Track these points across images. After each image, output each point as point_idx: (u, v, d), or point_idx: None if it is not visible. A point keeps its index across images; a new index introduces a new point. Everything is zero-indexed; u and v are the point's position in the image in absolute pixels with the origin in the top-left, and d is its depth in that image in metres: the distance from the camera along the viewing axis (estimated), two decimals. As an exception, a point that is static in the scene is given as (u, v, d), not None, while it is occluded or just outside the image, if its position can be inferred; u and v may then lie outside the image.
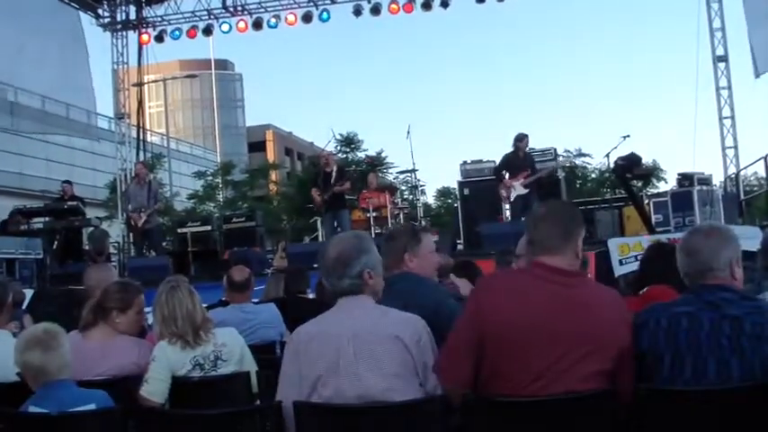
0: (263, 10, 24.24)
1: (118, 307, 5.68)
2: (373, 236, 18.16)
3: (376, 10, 23.10)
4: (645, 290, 5.75)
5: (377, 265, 4.39)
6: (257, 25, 24.21)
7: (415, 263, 5.23)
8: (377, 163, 36.50)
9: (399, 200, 22.07)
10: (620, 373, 3.88)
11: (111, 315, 5.66)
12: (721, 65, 21.27)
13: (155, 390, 5.16)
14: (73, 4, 24.74)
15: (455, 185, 21.41)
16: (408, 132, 20.63)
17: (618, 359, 3.86)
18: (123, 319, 5.68)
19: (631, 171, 15.75)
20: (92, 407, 4.51)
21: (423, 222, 22.26)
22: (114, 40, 26.21)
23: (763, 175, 20.76)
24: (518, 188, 16.81)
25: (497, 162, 17.94)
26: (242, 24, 24.37)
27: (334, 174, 17.28)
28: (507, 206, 18.89)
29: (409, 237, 5.33)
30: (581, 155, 41.25)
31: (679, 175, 17.99)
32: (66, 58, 24.33)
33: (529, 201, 16.57)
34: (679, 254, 4.06)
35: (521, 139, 17.20)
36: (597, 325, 3.84)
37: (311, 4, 23.76)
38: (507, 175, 17.18)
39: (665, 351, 3.84)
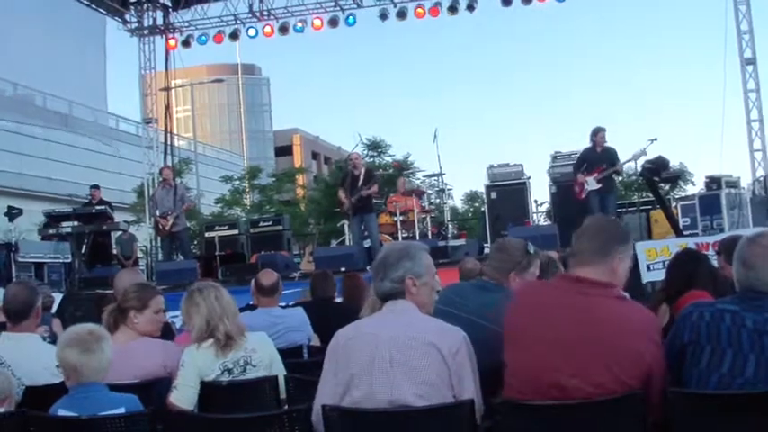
0: (289, 14, 24.32)
1: (135, 306, 5.72)
2: (400, 239, 18.20)
3: (402, 14, 23.17)
4: (688, 293, 5.79)
5: (424, 275, 4.39)
6: (284, 30, 24.27)
7: (517, 284, 5.27)
8: (404, 167, 36.46)
9: (426, 204, 22.04)
10: (648, 390, 3.89)
11: (130, 315, 5.70)
12: (749, 67, 21.16)
13: (183, 396, 5.16)
14: (101, 10, 24.88)
15: (482, 189, 21.35)
16: (435, 136, 20.58)
17: (640, 375, 3.88)
18: (141, 318, 5.72)
19: (659, 174, 15.68)
20: (121, 411, 4.53)
21: (449, 226, 22.22)
22: (141, 46, 26.37)
23: (792, 177, 20.59)
24: (591, 183, 16.57)
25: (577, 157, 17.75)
26: (268, 29, 24.44)
27: (361, 177, 17.17)
28: (536, 209, 18.91)
29: (522, 257, 5.39)
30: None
31: (707, 178, 17.93)
32: (88, 64, 24.53)
33: (601, 197, 16.51)
34: (736, 263, 4.05)
35: (595, 133, 16.84)
36: (609, 335, 3.89)
37: (337, 8, 23.81)
38: (585, 171, 16.84)
39: (705, 343, 3.88)
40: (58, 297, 13.44)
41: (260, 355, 5.47)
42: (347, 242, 20.09)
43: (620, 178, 21.02)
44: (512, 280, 5.29)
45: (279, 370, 5.54)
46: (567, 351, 3.93)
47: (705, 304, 4.03)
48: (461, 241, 20.01)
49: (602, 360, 3.86)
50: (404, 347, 4.09)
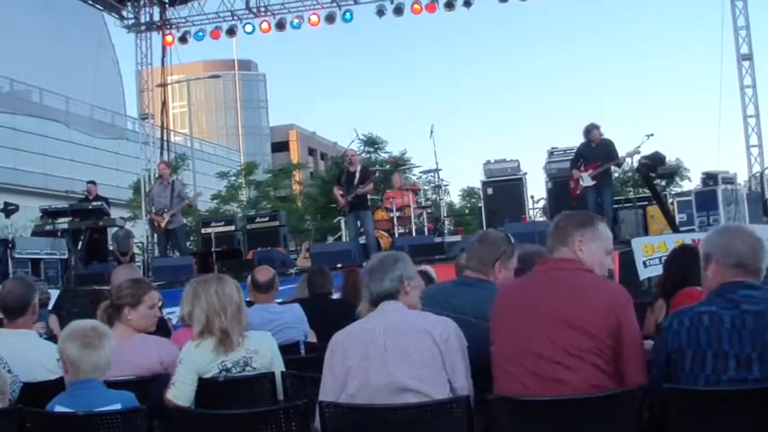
0: (285, 11, 24.34)
1: (129, 303, 5.73)
2: (396, 235, 18.20)
3: (399, 10, 23.16)
4: (683, 290, 5.83)
5: (414, 278, 4.65)
6: (280, 26, 24.30)
7: (503, 276, 5.38)
8: (400, 163, 36.45)
9: (423, 199, 22.01)
10: (622, 360, 4.06)
11: (124, 312, 5.71)
12: (746, 63, 21.18)
13: (181, 394, 5.14)
14: (97, 5, 24.89)
15: (479, 185, 21.31)
16: (431, 132, 20.55)
17: (610, 330, 4.05)
18: (135, 314, 5.73)
19: (655, 170, 15.67)
20: (117, 407, 4.53)
21: (446, 222, 22.20)
22: (138, 42, 26.41)
23: (789, 173, 20.58)
24: (586, 180, 16.56)
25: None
26: (265, 25, 24.48)
27: (358, 174, 17.10)
28: (532, 204, 18.92)
29: (506, 246, 5.53)
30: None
31: (703, 173, 17.90)
32: (91, 60, 24.54)
33: (597, 193, 16.48)
34: (734, 242, 4.09)
35: (588, 131, 16.82)
36: (573, 296, 4.17)
37: (334, 4, 23.83)
38: (582, 167, 16.81)
39: (686, 348, 3.92)
40: (54, 293, 13.43)
41: (261, 356, 5.40)
42: (343, 238, 20.09)
43: (616, 174, 20.99)
44: (497, 270, 5.39)
45: (278, 369, 5.49)
46: (540, 320, 4.16)
47: (684, 311, 4.08)
48: (458, 237, 19.98)
49: (570, 320, 4.07)
50: (397, 334, 4.26)
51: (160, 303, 6.03)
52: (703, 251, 4.22)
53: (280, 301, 8.45)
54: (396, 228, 18.92)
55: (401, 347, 4.20)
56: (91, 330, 4.68)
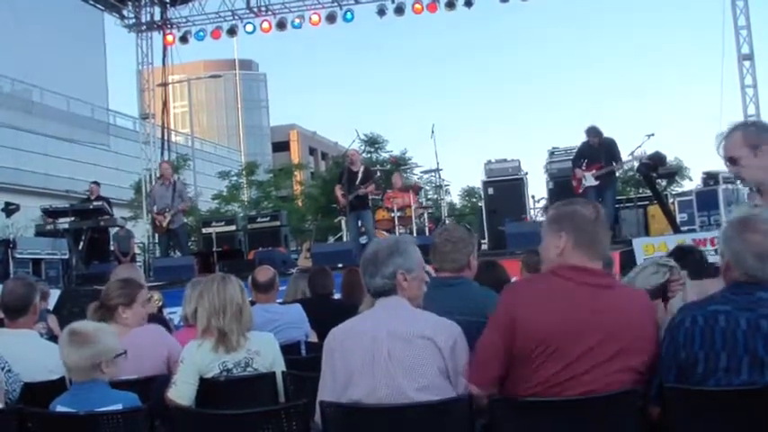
0: (286, 10, 24.34)
1: (123, 302, 5.73)
2: (398, 235, 18.17)
3: (400, 10, 23.14)
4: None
5: (414, 269, 4.40)
6: (281, 25, 24.30)
7: (468, 272, 5.33)
8: (401, 163, 36.43)
9: (424, 199, 22.02)
10: (651, 377, 3.92)
11: (118, 311, 5.71)
12: (747, 63, 21.17)
13: (182, 393, 5.12)
14: (98, 5, 24.89)
15: (480, 185, 21.30)
16: (432, 132, 20.55)
17: (649, 360, 3.90)
18: (130, 313, 5.74)
19: (656, 170, 15.65)
20: (118, 407, 4.52)
21: (447, 222, 22.21)
22: (139, 41, 26.43)
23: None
24: (588, 179, 16.49)
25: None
26: (266, 25, 24.47)
27: (360, 174, 17.07)
28: (533, 204, 18.90)
29: (473, 238, 5.44)
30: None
31: (704, 173, 17.91)
32: (87, 59, 24.51)
33: (599, 193, 16.38)
34: (745, 252, 3.83)
35: (588, 134, 16.71)
36: (627, 326, 3.87)
37: (335, 4, 23.82)
38: (584, 166, 16.72)
39: (699, 348, 3.81)
40: (55, 293, 13.42)
41: (263, 357, 5.40)
42: (344, 238, 20.07)
43: (618, 173, 20.97)
44: (471, 264, 5.31)
45: (279, 370, 5.46)
46: (588, 347, 3.85)
47: (696, 308, 3.92)
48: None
49: (616, 351, 3.84)
50: (401, 342, 4.11)
51: (160, 303, 6.03)
52: (719, 248, 4.05)
53: (280, 301, 8.45)
54: (397, 228, 18.91)
55: (405, 357, 4.07)
56: (70, 336, 4.66)
